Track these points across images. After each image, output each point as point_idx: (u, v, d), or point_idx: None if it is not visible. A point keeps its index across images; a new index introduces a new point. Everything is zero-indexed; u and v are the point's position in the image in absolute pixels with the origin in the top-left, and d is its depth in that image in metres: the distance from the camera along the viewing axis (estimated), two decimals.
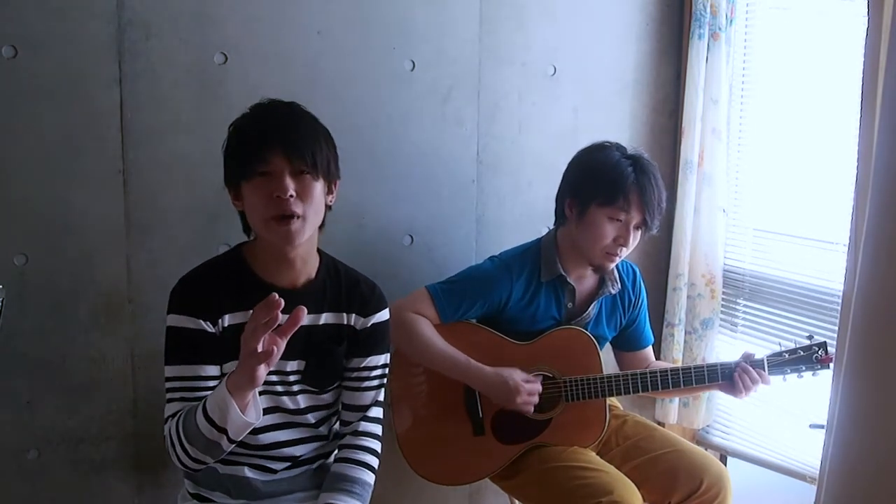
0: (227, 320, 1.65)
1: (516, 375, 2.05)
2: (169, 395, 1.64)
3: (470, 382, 2.08)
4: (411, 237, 2.36)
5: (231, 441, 1.54)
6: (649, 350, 2.34)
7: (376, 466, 1.79)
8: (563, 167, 2.17)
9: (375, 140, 2.26)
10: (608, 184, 2.04)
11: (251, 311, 1.59)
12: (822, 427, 1.62)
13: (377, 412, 1.82)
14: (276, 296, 1.40)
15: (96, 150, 1.98)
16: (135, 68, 1.97)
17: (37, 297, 1.98)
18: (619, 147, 2.11)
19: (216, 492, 1.77)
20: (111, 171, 2.00)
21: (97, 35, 1.93)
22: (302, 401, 1.75)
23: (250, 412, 1.52)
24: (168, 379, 1.65)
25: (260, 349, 1.42)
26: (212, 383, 1.63)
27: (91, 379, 2.06)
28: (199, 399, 1.60)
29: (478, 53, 2.35)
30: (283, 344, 1.46)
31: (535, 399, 2.06)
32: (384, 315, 1.81)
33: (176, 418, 1.59)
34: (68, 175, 1.96)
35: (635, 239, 2.09)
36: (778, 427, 2.53)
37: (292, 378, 1.73)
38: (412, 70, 2.27)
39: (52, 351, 2.01)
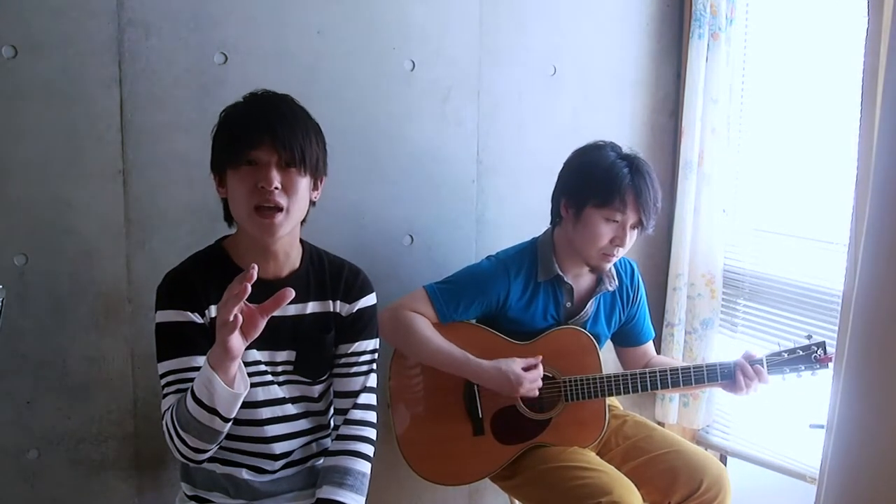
0: (213, 311, 1.65)
1: (515, 366, 2.04)
2: (164, 391, 1.65)
3: (469, 378, 2.08)
4: (411, 237, 2.36)
5: (224, 420, 1.53)
6: (650, 345, 2.34)
7: (372, 455, 1.79)
8: None
9: (375, 140, 2.26)
10: (604, 185, 2.03)
11: None
12: (822, 427, 1.63)
13: (369, 398, 1.81)
14: (254, 266, 1.42)
15: (96, 150, 1.97)
16: (135, 68, 1.97)
17: (37, 297, 1.97)
18: (613, 147, 2.11)
19: (214, 492, 1.77)
20: (111, 170, 2.00)
21: (97, 35, 1.93)
22: (288, 391, 1.75)
23: (238, 384, 1.52)
24: (162, 375, 1.65)
25: (230, 318, 1.43)
26: None
27: (91, 379, 2.05)
28: None
29: (478, 53, 2.35)
30: (262, 321, 1.48)
31: (539, 383, 2.05)
32: (370, 300, 1.81)
33: (170, 410, 1.59)
34: (68, 175, 1.96)
35: (631, 239, 2.09)
36: (778, 427, 2.54)
37: (280, 368, 1.73)
38: (412, 70, 2.27)
39: (52, 351, 2.01)
